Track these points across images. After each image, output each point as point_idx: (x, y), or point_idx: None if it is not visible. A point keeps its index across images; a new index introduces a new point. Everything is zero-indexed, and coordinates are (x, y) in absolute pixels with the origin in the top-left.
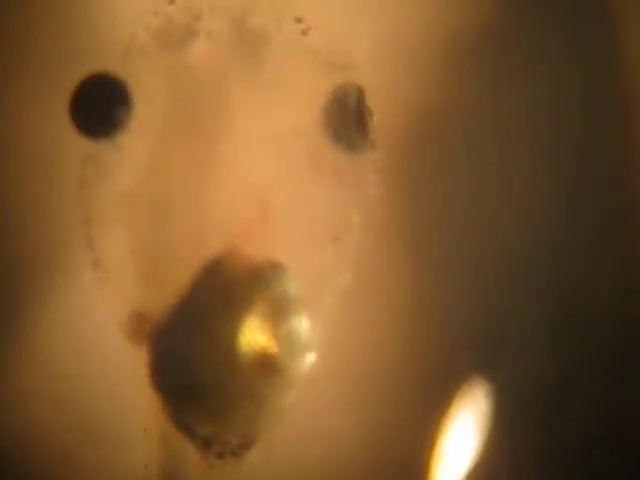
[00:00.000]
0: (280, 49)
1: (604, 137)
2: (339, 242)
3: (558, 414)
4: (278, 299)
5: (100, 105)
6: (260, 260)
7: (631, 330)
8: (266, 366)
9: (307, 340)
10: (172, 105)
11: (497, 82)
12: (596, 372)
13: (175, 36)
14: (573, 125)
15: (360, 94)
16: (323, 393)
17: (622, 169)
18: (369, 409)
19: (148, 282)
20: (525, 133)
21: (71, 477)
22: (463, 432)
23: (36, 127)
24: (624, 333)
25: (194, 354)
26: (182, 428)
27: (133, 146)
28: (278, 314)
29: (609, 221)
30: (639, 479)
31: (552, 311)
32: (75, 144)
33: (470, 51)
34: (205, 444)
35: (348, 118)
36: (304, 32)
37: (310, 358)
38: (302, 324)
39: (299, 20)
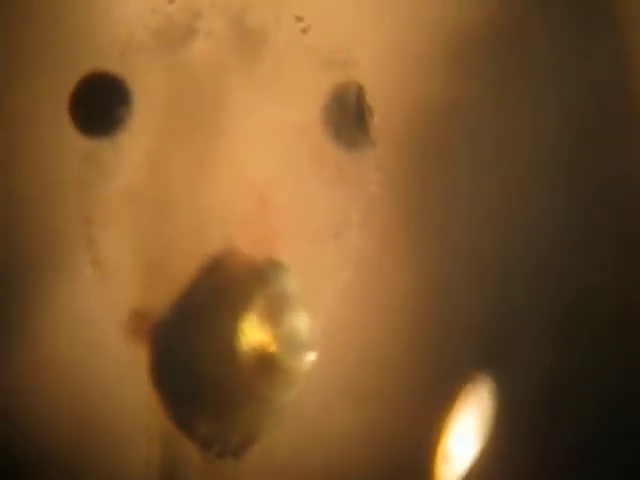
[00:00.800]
0: (280, 47)
1: (612, 136)
2: (339, 240)
3: (566, 414)
4: (278, 297)
5: (100, 104)
6: (260, 258)
7: None
8: (266, 365)
9: (307, 339)
10: (172, 103)
11: (502, 80)
12: (605, 372)
13: (175, 34)
14: (579, 125)
15: (360, 92)
16: (325, 391)
17: (632, 168)
18: (371, 408)
19: (148, 281)
20: (530, 132)
21: (72, 475)
22: (467, 431)
23: (36, 126)
24: (634, 333)
25: (194, 353)
26: (182, 427)
27: (133, 145)
28: (278, 313)
29: (620, 220)
30: None
31: (559, 310)
32: (75, 143)
33: (474, 49)
34: (205, 443)
35: (348, 116)
36: (304, 30)
37: (310, 357)
38: (302, 322)
39: (299, 18)
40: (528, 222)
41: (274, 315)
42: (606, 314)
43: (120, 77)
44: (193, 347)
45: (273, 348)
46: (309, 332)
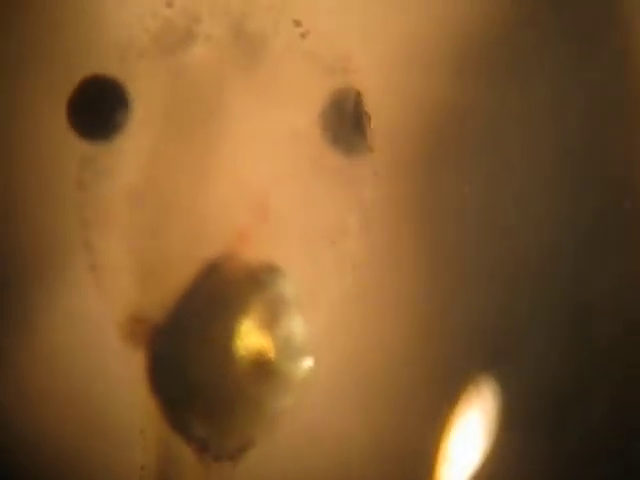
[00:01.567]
0: (278, 52)
1: (626, 139)
2: (337, 245)
3: (571, 417)
4: (275, 302)
5: (98, 107)
6: (257, 263)
7: None
8: (262, 370)
9: (304, 344)
10: (171, 108)
11: (502, 84)
12: (611, 375)
13: (174, 39)
14: (597, 125)
15: (358, 98)
16: (328, 394)
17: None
18: (373, 411)
19: (145, 285)
20: (532, 137)
21: (68, 478)
22: (470, 434)
23: (34, 129)
24: (638, 337)
25: (191, 357)
26: (179, 430)
27: (131, 149)
28: (275, 318)
29: (625, 224)
30: None
31: (567, 313)
32: (73, 146)
33: (476, 52)
34: (202, 447)
35: (346, 121)
36: (303, 36)
37: (307, 363)
38: (299, 328)
39: (298, 23)
40: (531, 226)
41: (271, 320)
42: (611, 318)
43: (119, 81)
44: (190, 351)
45: (270, 353)
46: (306, 338)
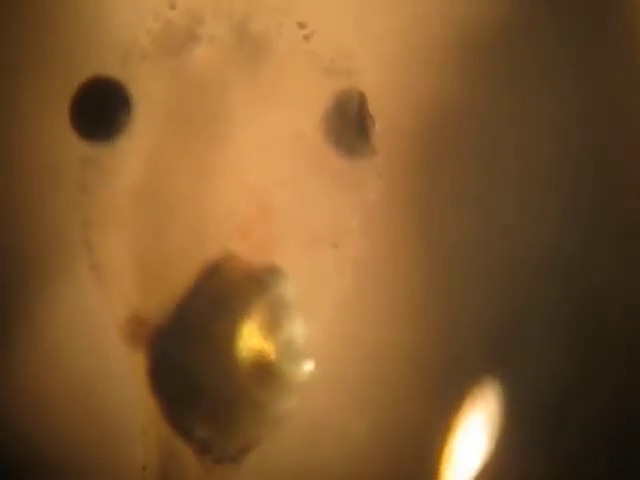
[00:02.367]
0: (282, 54)
1: (627, 139)
2: (339, 247)
3: (572, 415)
4: (276, 304)
5: (101, 109)
6: (259, 265)
7: None
8: (264, 372)
9: (305, 346)
10: (173, 109)
11: (502, 87)
12: (612, 373)
13: (176, 40)
14: (595, 126)
15: (362, 99)
16: (330, 395)
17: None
18: (377, 411)
19: (147, 286)
20: (531, 138)
21: (69, 478)
22: (474, 433)
23: (37, 130)
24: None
25: (192, 359)
26: (180, 432)
27: (133, 150)
28: (276, 320)
29: (627, 224)
30: None
31: (566, 311)
32: (76, 148)
33: (478, 55)
34: (203, 448)
35: (349, 123)
36: (306, 37)
37: (308, 365)
38: (300, 330)
39: (301, 25)
40: (531, 226)
41: (272, 322)
42: (612, 316)
43: (121, 82)
44: (191, 353)
45: (271, 355)
46: (307, 340)
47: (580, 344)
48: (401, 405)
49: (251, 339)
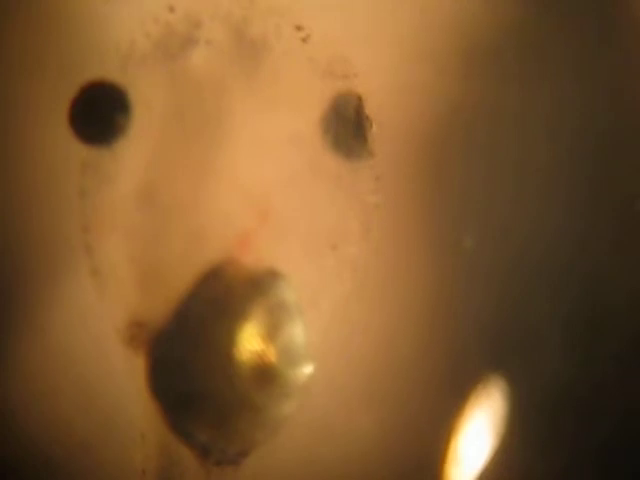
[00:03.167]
0: (280, 57)
1: (627, 136)
2: (338, 249)
3: (573, 413)
4: (276, 308)
5: (100, 112)
6: (259, 268)
7: None
8: (263, 375)
9: (305, 350)
10: (172, 112)
11: (503, 88)
12: (612, 372)
13: (175, 44)
14: (596, 125)
15: (359, 102)
16: (331, 397)
17: None
18: (384, 408)
19: (146, 290)
20: (528, 134)
21: None
22: (477, 430)
23: (36, 135)
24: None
25: (191, 362)
26: (180, 435)
27: (132, 153)
28: (276, 323)
29: (627, 220)
30: None
31: (568, 310)
32: (75, 151)
33: (478, 58)
34: (203, 451)
35: (347, 126)
36: (304, 40)
37: (308, 368)
38: (300, 333)
39: (299, 28)
40: (531, 224)
41: (272, 325)
42: (611, 314)
43: (120, 86)
44: (191, 356)
45: (271, 358)
46: (307, 342)
47: (583, 340)
48: (403, 405)
49: (251, 342)
